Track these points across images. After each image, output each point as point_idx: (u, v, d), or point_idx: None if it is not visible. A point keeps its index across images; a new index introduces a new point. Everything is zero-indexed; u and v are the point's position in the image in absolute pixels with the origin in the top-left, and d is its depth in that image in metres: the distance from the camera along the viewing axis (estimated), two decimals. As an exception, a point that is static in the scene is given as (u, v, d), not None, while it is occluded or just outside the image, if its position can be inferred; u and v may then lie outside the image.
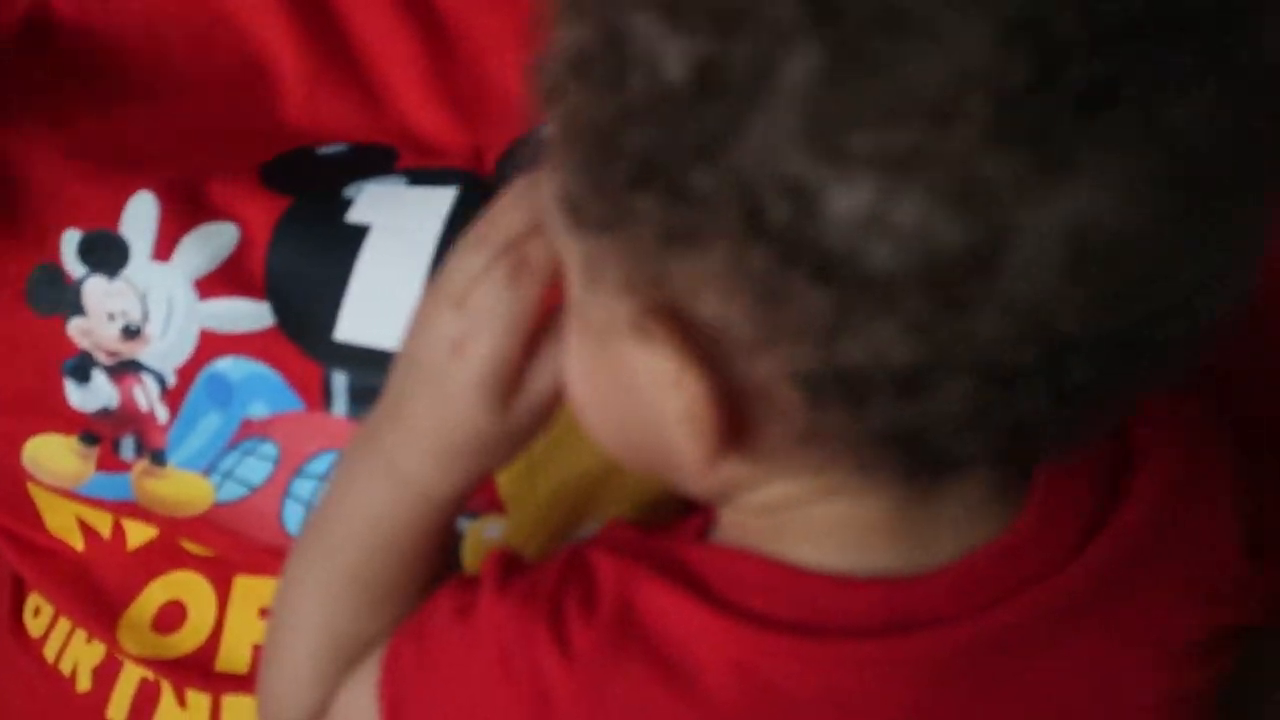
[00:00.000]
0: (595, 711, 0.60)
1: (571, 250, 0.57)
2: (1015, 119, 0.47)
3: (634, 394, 0.56)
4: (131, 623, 0.87)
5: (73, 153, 0.84)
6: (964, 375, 0.51)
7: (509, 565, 0.64)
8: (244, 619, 0.85)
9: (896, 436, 0.53)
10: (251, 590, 0.85)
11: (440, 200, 0.80)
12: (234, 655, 0.84)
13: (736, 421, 0.55)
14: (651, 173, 0.50)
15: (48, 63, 0.88)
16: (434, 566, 0.68)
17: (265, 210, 0.82)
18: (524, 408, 0.64)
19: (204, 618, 0.86)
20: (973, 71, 0.47)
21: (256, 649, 0.84)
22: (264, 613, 0.84)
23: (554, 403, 0.64)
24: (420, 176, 0.82)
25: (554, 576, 0.62)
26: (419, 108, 0.86)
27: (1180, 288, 0.51)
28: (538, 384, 0.63)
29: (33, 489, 0.88)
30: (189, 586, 0.86)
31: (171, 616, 0.86)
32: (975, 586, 0.60)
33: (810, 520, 0.59)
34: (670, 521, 0.66)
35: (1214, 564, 0.66)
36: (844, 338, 0.50)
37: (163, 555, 0.87)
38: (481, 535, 0.78)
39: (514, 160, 0.82)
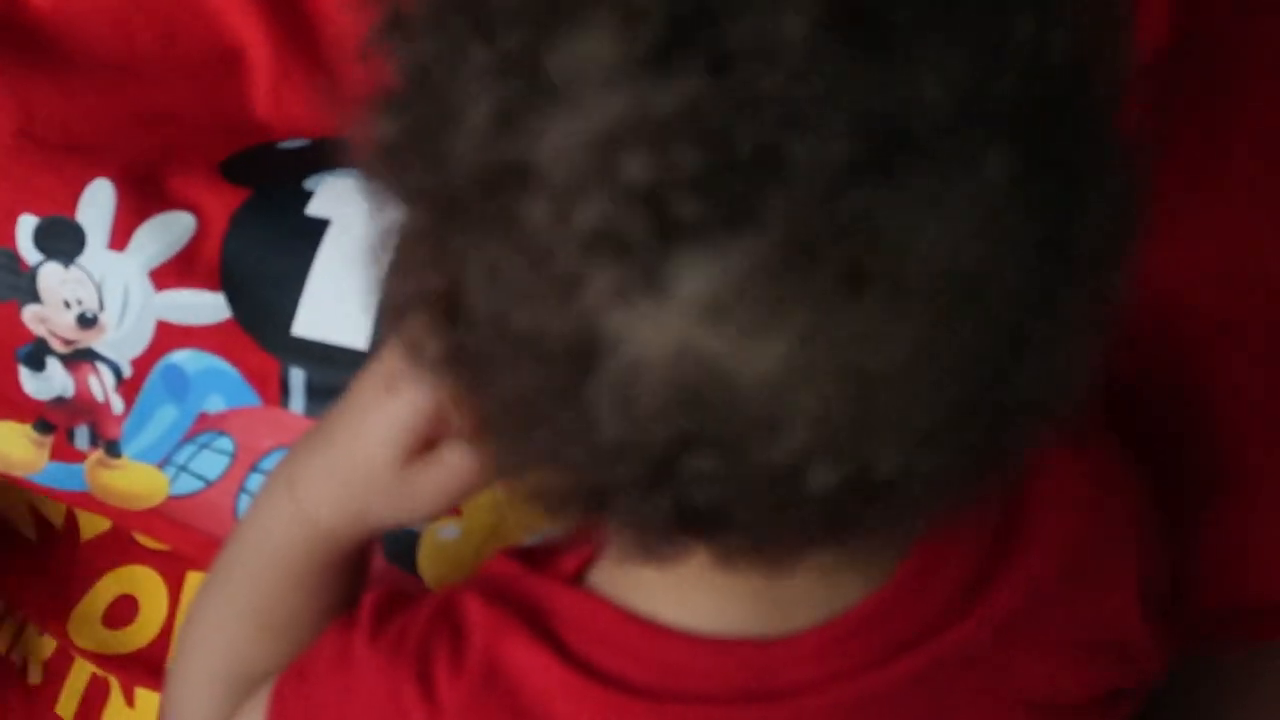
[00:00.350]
0: None
1: None
2: (619, 228, 0.46)
3: None
4: (83, 616, 0.86)
5: (27, 134, 0.83)
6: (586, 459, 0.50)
7: (385, 609, 0.64)
8: None
9: (679, 520, 0.51)
10: None
11: None
12: None
13: None
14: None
15: (6, 40, 0.86)
16: (335, 598, 0.67)
17: (223, 200, 0.81)
18: (426, 475, 0.64)
19: (156, 613, 0.85)
20: (597, 165, 0.45)
21: None
22: None
23: (458, 487, 0.64)
24: None
25: (424, 624, 0.62)
26: None
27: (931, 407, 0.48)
28: (448, 457, 0.63)
29: None
30: (142, 581, 0.86)
31: (123, 611, 0.86)
32: (839, 652, 0.59)
33: (667, 578, 0.57)
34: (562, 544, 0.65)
35: (1104, 626, 0.64)
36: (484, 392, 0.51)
37: (116, 548, 0.87)
38: (436, 537, 0.77)
39: None
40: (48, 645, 0.86)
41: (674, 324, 0.46)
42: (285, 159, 0.83)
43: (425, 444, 0.63)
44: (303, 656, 0.65)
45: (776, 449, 0.47)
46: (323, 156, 0.83)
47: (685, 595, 0.59)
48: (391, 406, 0.63)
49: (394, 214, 0.52)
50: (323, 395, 0.78)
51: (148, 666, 0.84)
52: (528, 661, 0.60)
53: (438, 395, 0.60)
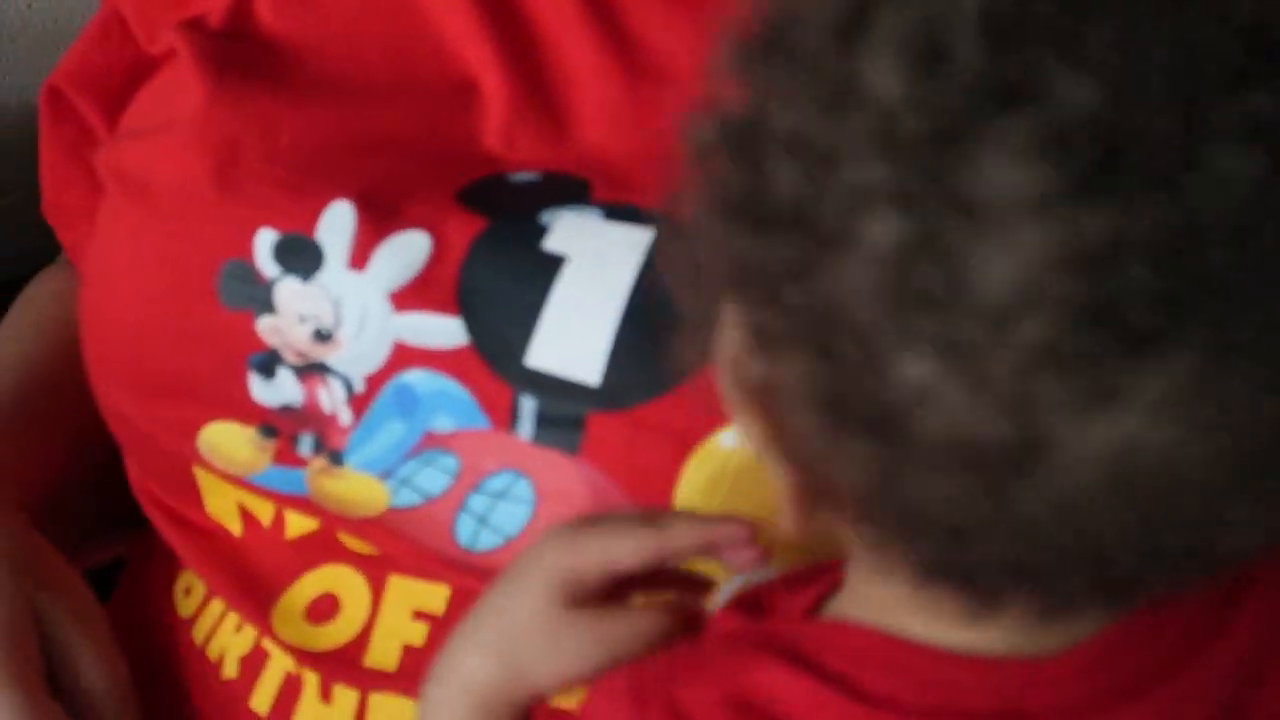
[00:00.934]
0: None
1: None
2: (1069, 344, 0.49)
3: None
4: (284, 611, 0.89)
5: (270, 158, 0.86)
6: (1005, 544, 0.53)
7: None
8: (397, 617, 0.87)
9: (947, 573, 0.55)
10: (406, 590, 0.87)
11: (638, 239, 0.82)
12: (383, 653, 0.87)
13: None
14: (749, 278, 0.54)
15: (248, 61, 0.90)
16: None
17: (461, 226, 0.84)
18: (587, 623, 0.69)
19: (357, 612, 0.88)
20: (1037, 287, 0.48)
21: (407, 649, 0.87)
22: (418, 614, 0.87)
23: (625, 641, 0.69)
24: (617, 212, 0.84)
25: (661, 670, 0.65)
26: (613, 140, 0.87)
27: (1236, 511, 0.53)
28: (629, 612, 0.70)
29: (197, 471, 0.91)
30: (343, 580, 0.89)
31: (324, 608, 0.89)
32: (1088, 679, 0.59)
33: (919, 597, 0.58)
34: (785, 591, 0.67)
35: None
36: (889, 487, 0.53)
37: (320, 547, 0.90)
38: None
39: None
40: (245, 641, 0.90)
41: (1125, 424, 0.49)
42: (517, 192, 0.87)
43: (588, 596, 0.69)
44: None
45: (1203, 529, 0.51)
46: (554, 191, 0.87)
47: (940, 614, 0.59)
48: (547, 553, 0.68)
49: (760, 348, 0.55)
50: (551, 424, 0.81)
51: (347, 664, 0.87)
52: (784, 689, 0.60)
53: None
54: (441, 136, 0.89)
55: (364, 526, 0.86)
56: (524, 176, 0.88)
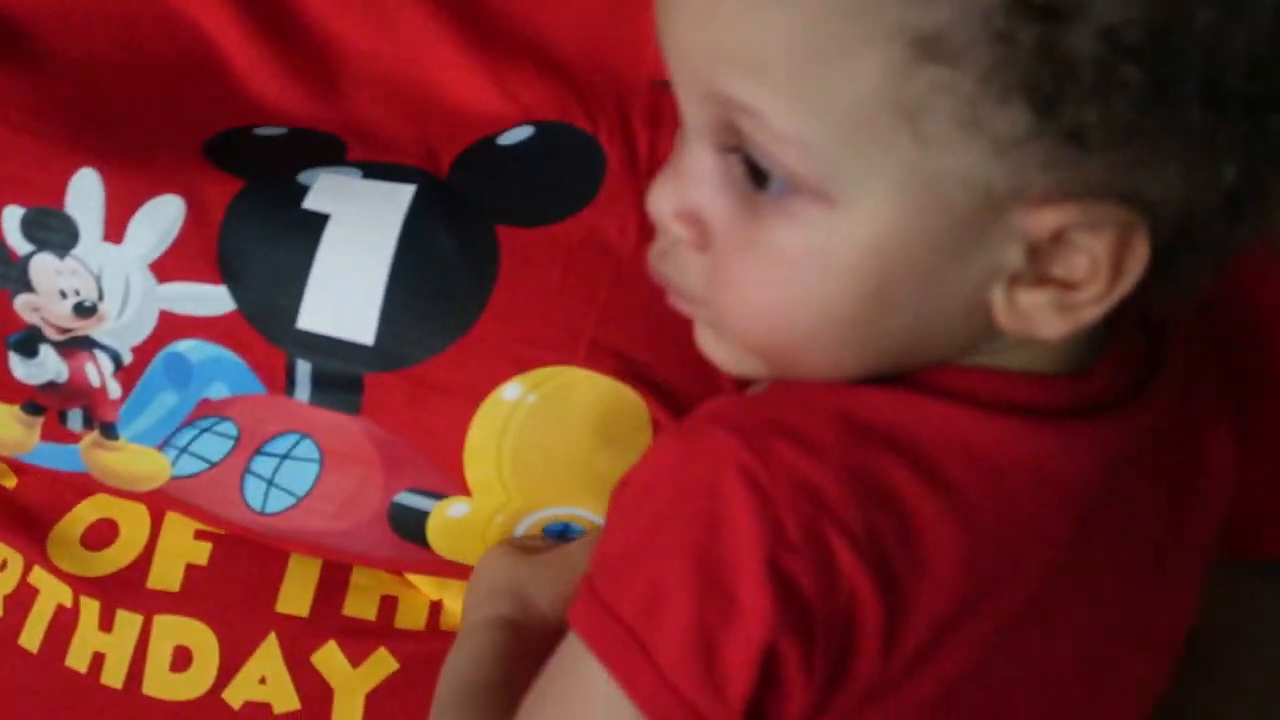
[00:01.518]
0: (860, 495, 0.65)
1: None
2: None
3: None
4: (59, 538, 0.89)
5: (5, 123, 0.84)
6: None
7: None
8: (179, 537, 0.88)
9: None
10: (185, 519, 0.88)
11: (400, 195, 0.82)
12: (167, 573, 0.87)
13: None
14: None
15: None
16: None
17: (217, 189, 0.83)
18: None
19: (137, 535, 0.88)
20: None
21: (190, 567, 0.87)
22: (200, 534, 0.88)
23: None
24: (375, 170, 0.84)
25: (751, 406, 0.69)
26: (371, 103, 0.87)
27: None
28: None
29: None
30: (120, 506, 0.89)
31: (102, 533, 0.89)
32: (1109, 384, 0.70)
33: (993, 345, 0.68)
34: None
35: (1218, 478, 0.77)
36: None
37: (95, 482, 0.89)
38: (445, 514, 0.82)
39: (470, 165, 0.85)
40: (9, 579, 0.88)
41: None
42: (267, 146, 0.86)
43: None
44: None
45: None
46: (306, 149, 0.86)
47: (1015, 355, 0.68)
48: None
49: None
50: (329, 386, 0.82)
51: (130, 588, 0.87)
52: (884, 400, 0.67)
53: None
54: (184, 94, 0.87)
55: (152, 498, 0.86)
56: (270, 130, 0.87)
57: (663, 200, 0.68)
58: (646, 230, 0.80)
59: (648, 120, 0.85)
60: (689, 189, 0.67)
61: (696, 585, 0.65)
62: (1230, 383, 0.79)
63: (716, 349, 0.71)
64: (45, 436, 0.86)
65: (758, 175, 0.64)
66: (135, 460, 0.85)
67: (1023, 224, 0.63)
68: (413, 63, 0.88)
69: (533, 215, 0.83)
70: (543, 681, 0.71)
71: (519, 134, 0.86)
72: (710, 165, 0.66)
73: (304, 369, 0.82)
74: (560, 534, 0.83)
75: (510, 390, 0.80)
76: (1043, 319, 0.65)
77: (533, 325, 0.80)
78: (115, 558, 0.88)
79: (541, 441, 0.80)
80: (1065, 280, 0.64)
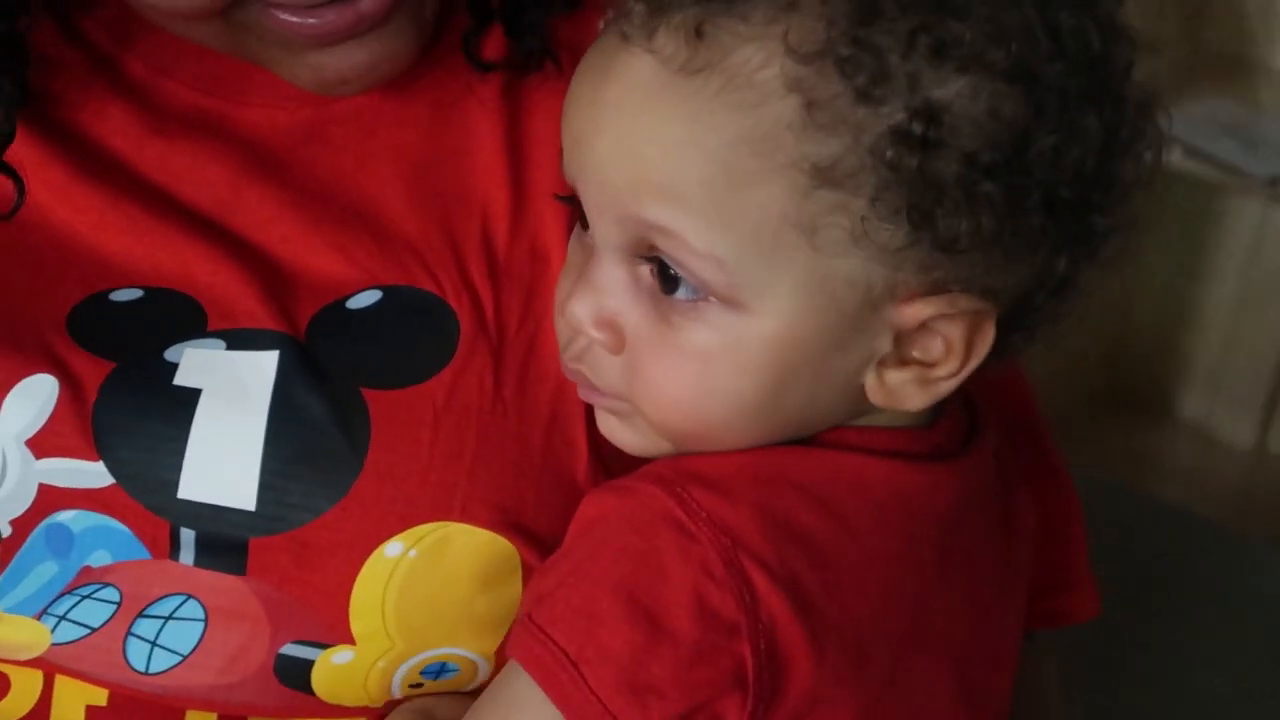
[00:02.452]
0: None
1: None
2: None
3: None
4: None
5: None
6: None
7: None
8: (74, 686, 0.89)
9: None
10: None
11: (266, 364, 0.87)
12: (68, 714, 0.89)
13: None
14: None
15: None
16: None
17: (88, 370, 0.86)
18: None
19: (30, 686, 0.89)
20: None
21: (90, 709, 0.89)
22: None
23: None
24: (237, 340, 0.88)
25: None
26: (218, 270, 0.90)
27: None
28: None
29: None
30: (8, 665, 0.90)
31: None
32: (950, 437, 0.84)
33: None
34: None
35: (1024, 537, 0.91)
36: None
37: None
38: (330, 662, 0.87)
39: (325, 329, 0.89)
40: None
41: None
42: (129, 319, 0.89)
43: None
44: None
45: None
46: (166, 316, 0.89)
47: (884, 416, 0.81)
48: None
49: None
50: (214, 550, 0.86)
51: None
52: (793, 455, 0.80)
53: None
54: (37, 275, 0.90)
55: (33, 664, 0.88)
56: (126, 294, 0.90)
57: (581, 310, 0.79)
58: (503, 383, 0.87)
59: (487, 277, 0.91)
60: (603, 298, 0.78)
61: (628, 613, 0.75)
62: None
63: (624, 434, 0.83)
64: (-82, 610, 0.88)
65: (668, 281, 0.76)
66: (12, 631, 0.87)
67: (894, 317, 0.76)
68: (253, 236, 0.92)
69: (396, 377, 0.88)
70: (481, 702, 0.80)
71: (367, 298, 0.91)
72: (623, 276, 0.77)
73: (188, 535, 0.86)
74: (437, 673, 0.88)
75: (392, 548, 0.85)
76: (907, 395, 0.78)
77: (409, 485, 0.86)
78: (9, 710, 0.89)
79: (423, 593, 0.86)
80: (925, 361, 0.77)
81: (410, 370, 0.88)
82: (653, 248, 0.76)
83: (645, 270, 0.77)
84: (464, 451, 0.87)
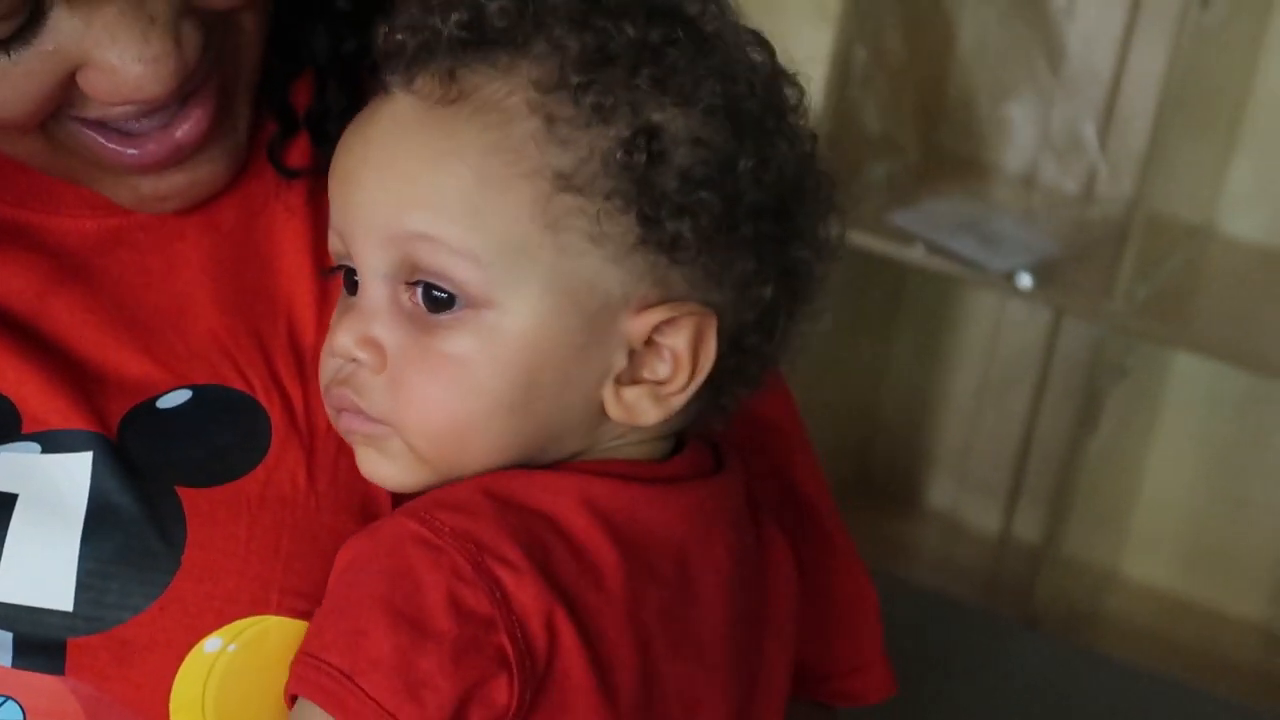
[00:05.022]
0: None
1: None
2: None
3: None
4: None
5: None
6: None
7: None
8: None
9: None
10: None
11: (80, 466, 0.88)
12: None
13: None
14: None
15: None
16: None
17: None
18: None
19: None
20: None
21: None
22: None
23: None
24: (51, 443, 0.89)
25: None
26: (27, 371, 0.91)
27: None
28: None
29: None
30: None
31: None
32: (688, 469, 0.91)
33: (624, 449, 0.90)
34: None
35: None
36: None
37: None
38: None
39: (136, 428, 0.91)
40: None
41: None
42: None
43: None
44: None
45: None
46: None
47: (624, 451, 0.90)
48: None
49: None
50: (30, 651, 0.86)
51: None
52: (530, 477, 0.87)
53: None
54: None
55: None
56: None
57: (345, 335, 0.86)
58: (315, 477, 0.90)
59: (295, 374, 0.93)
60: (367, 322, 0.86)
61: (391, 622, 0.81)
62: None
63: (383, 468, 0.88)
64: None
65: (432, 303, 0.84)
66: None
67: (628, 327, 0.85)
68: (62, 340, 0.93)
69: (210, 475, 0.90)
70: None
71: (177, 397, 0.92)
72: (386, 298, 0.85)
73: (5, 637, 0.86)
74: (258, 761, 0.90)
75: (211, 643, 0.87)
76: (643, 409, 0.86)
77: (226, 581, 0.87)
78: None
79: (242, 687, 0.87)
80: (655, 379, 0.86)
81: (224, 468, 0.90)
82: (415, 268, 0.84)
83: (407, 296, 0.85)
84: (279, 545, 0.89)
